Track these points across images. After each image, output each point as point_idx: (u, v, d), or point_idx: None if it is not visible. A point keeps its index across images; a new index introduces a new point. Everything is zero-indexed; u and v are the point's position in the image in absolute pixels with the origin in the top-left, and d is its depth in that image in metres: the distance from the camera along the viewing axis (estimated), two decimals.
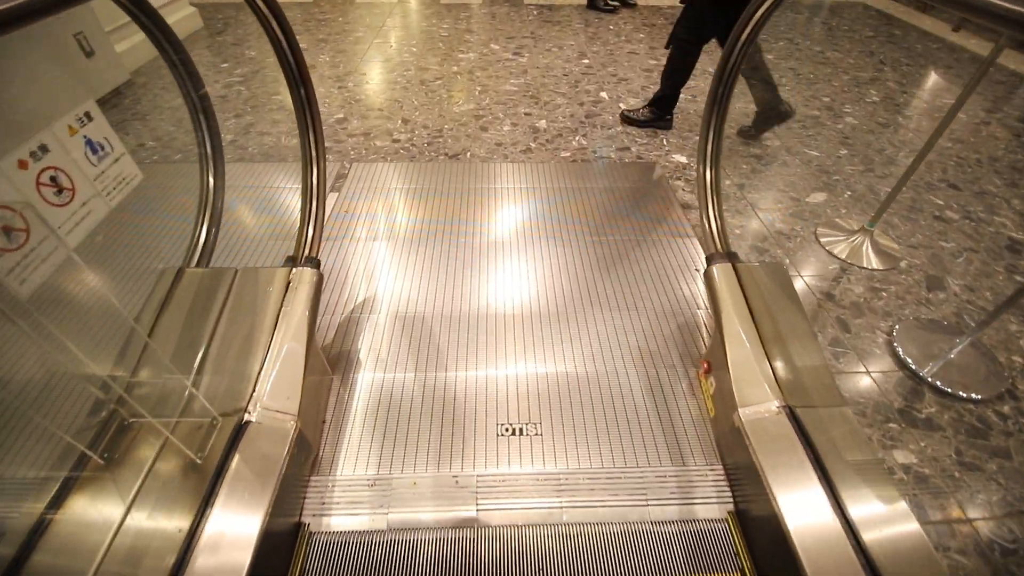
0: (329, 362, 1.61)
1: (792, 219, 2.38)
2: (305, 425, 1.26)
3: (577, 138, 2.99)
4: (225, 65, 3.73)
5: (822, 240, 2.24)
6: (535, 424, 1.46)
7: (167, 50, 1.35)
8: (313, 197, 1.56)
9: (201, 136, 1.53)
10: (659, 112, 3.05)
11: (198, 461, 1.09)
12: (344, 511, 1.27)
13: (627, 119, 3.12)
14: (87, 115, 1.13)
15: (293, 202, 2.37)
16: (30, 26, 0.71)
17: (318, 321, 1.72)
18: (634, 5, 5.18)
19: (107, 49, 3.11)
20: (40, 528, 0.98)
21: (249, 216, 2.28)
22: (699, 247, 2.14)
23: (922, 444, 1.49)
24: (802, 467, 1.16)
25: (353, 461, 1.38)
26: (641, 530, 1.25)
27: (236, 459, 1.11)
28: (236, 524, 1.03)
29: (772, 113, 2.91)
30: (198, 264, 1.53)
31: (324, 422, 1.46)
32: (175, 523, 1.01)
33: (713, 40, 2.74)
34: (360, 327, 1.75)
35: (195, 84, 1.49)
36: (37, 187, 1.01)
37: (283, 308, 1.37)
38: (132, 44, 3.45)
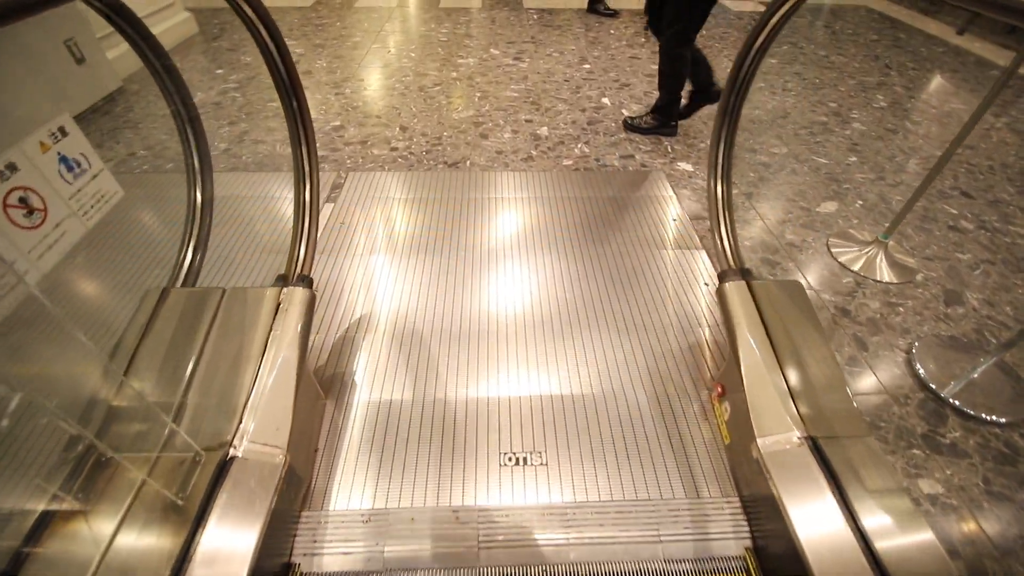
0: (322, 385, 1.54)
1: (803, 230, 2.31)
2: (295, 458, 1.18)
3: (579, 145, 2.92)
4: (220, 71, 3.67)
5: (834, 252, 2.17)
6: (539, 453, 1.38)
7: (150, 58, 1.28)
8: (306, 212, 1.49)
9: (188, 149, 1.46)
10: (662, 119, 2.98)
11: (179, 502, 1.01)
12: (337, 550, 1.19)
13: (630, 127, 3.05)
14: (61, 130, 1.06)
15: (287, 213, 2.29)
16: (11, 33, 0.64)
17: (311, 341, 1.64)
18: (615, 14, 5.06)
19: (99, 56, 3.04)
20: None
21: (241, 228, 2.20)
22: (708, 259, 2.06)
23: (948, 472, 1.41)
24: (827, 504, 1.09)
25: (347, 493, 1.30)
26: (654, 569, 1.18)
27: (220, 499, 1.03)
28: (220, 571, 0.95)
29: (704, 95, 2.95)
30: (184, 284, 1.46)
31: (317, 451, 1.38)
32: (154, 570, 0.94)
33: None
34: (355, 346, 1.68)
35: (182, 94, 1.42)
36: (4, 209, 0.94)
37: (272, 331, 1.30)
38: (125, 50, 3.38)
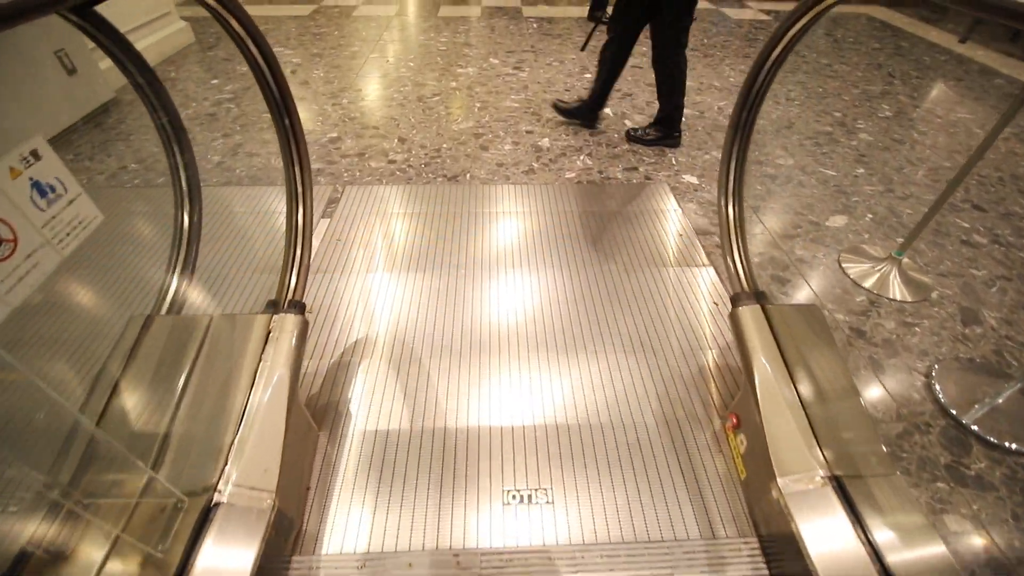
0: (315, 415, 1.46)
1: (813, 245, 2.24)
2: (285, 500, 1.10)
3: (582, 157, 2.86)
4: (215, 81, 3.61)
5: (846, 268, 2.11)
6: (545, 490, 1.31)
7: (131, 71, 1.21)
8: (298, 235, 1.42)
9: (175, 170, 1.39)
10: (666, 130, 2.92)
11: (159, 556, 0.94)
12: None
13: (633, 138, 3.00)
14: (34, 154, 0.99)
15: (282, 228, 2.22)
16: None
17: (303, 368, 1.57)
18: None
19: (90, 66, 2.98)
20: None
21: (233, 244, 2.13)
22: (716, 276, 2.00)
23: (975, 507, 1.34)
24: (853, 549, 1.02)
25: (341, 535, 1.22)
26: None
27: (203, 550, 0.96)
28: None
29: (596, 103, 3.00)
30: (170, 310, 1.38)
31: (308, 489, 1.30)
32: None
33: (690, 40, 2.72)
34: (350, 372, 1.60)
35: (167, 109, 1.35)
36: None
37: (262, 362, 1.22)
38: None
